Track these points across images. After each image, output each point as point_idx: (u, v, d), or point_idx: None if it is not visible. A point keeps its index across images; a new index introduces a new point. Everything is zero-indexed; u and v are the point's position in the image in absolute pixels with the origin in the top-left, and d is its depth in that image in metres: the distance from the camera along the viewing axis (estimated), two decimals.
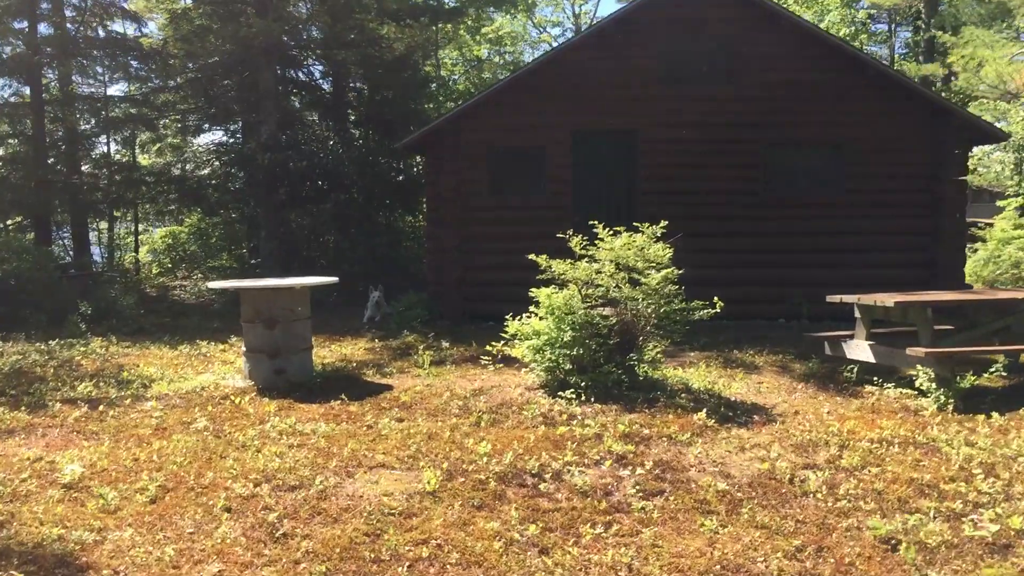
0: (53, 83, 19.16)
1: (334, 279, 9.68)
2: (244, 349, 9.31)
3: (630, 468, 5.99)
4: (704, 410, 7.30)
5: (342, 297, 17.27)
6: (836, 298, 8.83)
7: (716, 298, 8.05)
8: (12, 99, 18.30)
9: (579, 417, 7.29)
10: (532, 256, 8.43)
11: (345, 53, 17.08)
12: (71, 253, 20.10)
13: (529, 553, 4.68)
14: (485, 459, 6.14)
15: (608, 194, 14.03)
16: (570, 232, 8.46)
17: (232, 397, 8.43)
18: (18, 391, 9.00)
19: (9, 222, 18.43)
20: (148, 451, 6.59)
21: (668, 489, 5.62)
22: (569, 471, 5.93)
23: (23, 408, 8.17)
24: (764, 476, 5.84)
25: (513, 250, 13.81)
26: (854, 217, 13.53)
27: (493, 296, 13.92)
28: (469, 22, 29.92)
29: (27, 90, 18.07)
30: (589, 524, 5.03)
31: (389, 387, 9.00)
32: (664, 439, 6.66)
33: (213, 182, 20.18)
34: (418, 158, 21.22)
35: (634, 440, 6.62)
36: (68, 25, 18.40)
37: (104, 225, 24.12)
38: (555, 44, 40.14)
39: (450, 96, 29.38)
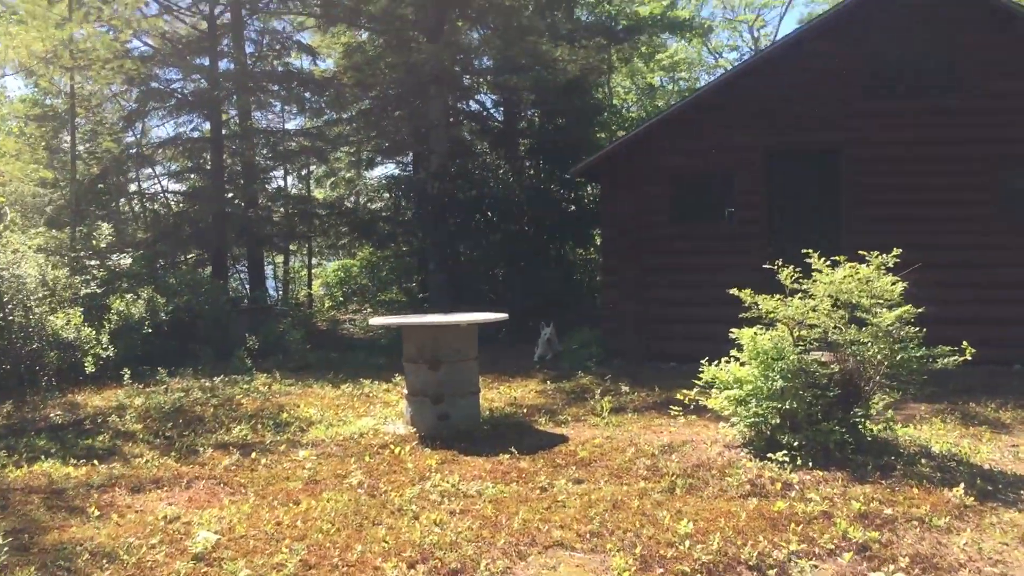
0: (232, 118, 19.44)
1: (503, 315, 8.76)
2: (406, 392, 8.50)
3: (878, 564, 4.65)
4: (960, 484, 5.80)
5: (511, 333, 16.43)
6: None
7: (965, 343, 6.54)
8: (193, 134, 18.64)
9: (797, 487, 5.97)
10: (734, 291, 7.18)
11: (517, 78, 16.38)
12: (247, 287, 20.29)
13: None
14: (687, 543, 4.95)
15: (807, 221, 12.54)
16: (779, 263, 7.16)
17: (392, 446, 7.59)
18: (174, 432, 8.53)
19: (188, 256, 18.70)
20: (294, 513, 5.78)
21: None
22: (797, 565, 4.65)
23: (174, 454, 7.62)
24: None
25: (697, 283, 12.63)
26: None
27: (675, 334, 12.71)
28: (643, 48, 28.86)
29: (207, 125, 18.37)
30: None
31: (564, 438, 7.94)
32: (915, 523, 5.25)
33: (384, 215, 19.92)
34: (591, 188, 20.27)
35: (875, 523, 5.25)
36: (247, 60, 18.62)
37: (279, 259, 24.45)
38: (730, 68, 38.52)
39: (623, 125, 28.33)
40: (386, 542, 5.12)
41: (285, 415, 9.30)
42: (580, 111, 19.52)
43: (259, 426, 8.80)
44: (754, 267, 12.08)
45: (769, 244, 12.46)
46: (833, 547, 4.87)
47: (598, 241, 19.07)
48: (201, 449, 7.79)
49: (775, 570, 4.59)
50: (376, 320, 8.70)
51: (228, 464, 7.22)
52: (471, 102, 22.10)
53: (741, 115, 12.62)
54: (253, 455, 7.49)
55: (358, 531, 5.38)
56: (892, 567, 4.57)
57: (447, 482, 6.37)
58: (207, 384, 11.11)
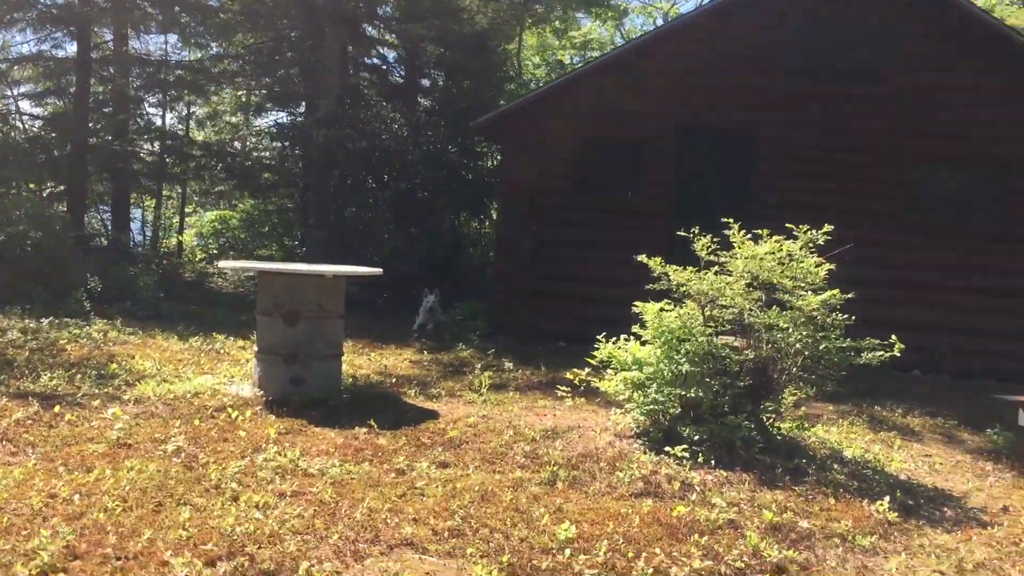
0: (104, 42, 17.53)
1: (377, 270, 7.64)
2: (256, 349, 7.30)
3: None
4: (884, 497, 5.01)
5: (393, 301, 15.27)
6: None
7: (894, 337, 5.78)
8: (57, 53, 16.68)
9: (698, 488, 5.08)
10: (642, 258, 6.25)
11: (420, 27, 15.13)
12: (109, 229, 18.45)
13: None
14: (567, 551, 3.98)
15: (716, 203, 11.72)
16: (695, 230, 6.26)
17: (230, 409, 6.39)
18: None
19: (42, 188, 16.77)
20: (78, 484, 4.57)
21: None
22: None
23: None
24: None
25: (595, 260, 11.74)
26: (1018, 253, 11.03)
27: (568, 313, 11.79)
28: (557, 23, 27.96)
29: (74, 46, 16.46)
30: None
31: (434, 414, 6.89)
32: (835, 540, 4.42)
33: (268, 162, 18.37)
34: (491, 159, 19.21)
35: (790, 538, 4.40)
36: None
37: (152, 203, 22.52)
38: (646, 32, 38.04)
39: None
40: (186, 529, 3.99)
41: (114, 366, 7.96)
42: (485, 72, 18.37)
43: (78, 376, 7.45)
44: (658, 247, 11.31)
45: (673, 225, 11.63)
46: (743, 566, 3.99)
47: (495, 215, 18.03)
48: None
49: None
50: (227, 264, 7.45)
51: (21, 417, 5.91)
52: (373, 57, 20.68)
53: (655, 84, 11.76)
54: (57, 409, 6.18)
55: (155, 512, 4.23)
56: None
57: (285, 456, 5.25)
58: (31, 325, 9.59)
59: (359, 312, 13.33)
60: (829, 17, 11.56)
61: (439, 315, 12.75)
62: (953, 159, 11.39)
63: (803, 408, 6.35)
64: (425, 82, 20.49)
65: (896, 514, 4.84)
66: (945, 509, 5.22)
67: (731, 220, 6.21)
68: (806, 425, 6.33)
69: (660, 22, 39.19)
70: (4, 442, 5.36)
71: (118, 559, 3.64)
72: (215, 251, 21.90)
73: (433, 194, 16.68)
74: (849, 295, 5.82)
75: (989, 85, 11.22)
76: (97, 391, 6.94)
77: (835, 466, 5.72)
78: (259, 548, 3.81)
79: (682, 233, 6.41)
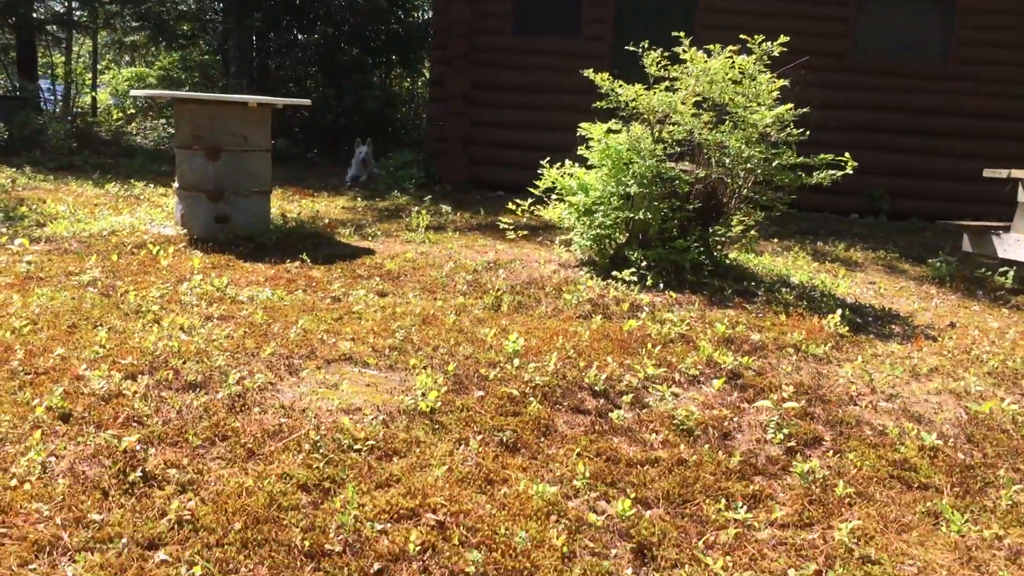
0: None
1: (305, 101, 7.16)
2: (176, 186, 6.83)
3: (754, 395, 3.65)
4: (836, 312, 4.90)
5: (324, 155, 14.69)
6: (999, 173, 6.32)
7: (848, 155, 5.58)
8: None
9: (647, 308, 4.90)
10: (588, 72, 5.90)
11: None
12: (15, 82, 17.24)
13: (617, 551, 2.37)
14: (515, 361, 3.78)
15: (659, 44, 11.31)
16: (644, 45, 5.91)
17: (150, 246, 5.97)
18: None
19: None
20: None
21: (831, 439, 3.30)
22: (655, 392, 3.58)
23: None
24: (981, 424, 3.51)
25: (535, 104, 11.32)
26: (956, 93, 10.92)
27: (506, 160, 11.39)
28: None
29: None
30: (712, 500, 2.72)
31: (371, 252, 6.58)
32: (789, 351, 4.30)
33: (184, 9, 17.17)
34: (426, 12, 18.31)
35: (743, 348, 4.27)
36: None
37: (61, 59, 21.08)
38: None
39: None
40: (104, 347, 3.67)
41: (23, 209, 7.45)
42: None
43: None
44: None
45: (613, 66, 11.21)
46: (697, 373, 3.84)
47: (428, 74, 17.30)
48: None
49: (629, 396, 3.49)
50: (139, 91, 6.87)
51: None
52: None
53: None
54: None
55: (68, 334, 3.89)
56: (775, 397, 3.57)
57: (210, 285, 4.91)
58: None
59: (289, 164, 12.78)
60: None
61: (372, 166, 12.27)
62: None
63: (753, 232, 6.15)
64: None
65: (847, 328, 4.75)
66: (893, 326, 5.15)
67: (682, 34, 5.84)
68: (753, 246, 6.18)
69: None
70: None
71: (27, 374, 3.32)
72: (132, 111, 20.76)
73: (362, 46, 15.89)
74: (804, 110, 5.57)
75: None
76: (4, 231, 6.45)
77: (783, 289, 5.60)
78: (184, 363, 3.52)
79: (631, 48, 6.03)
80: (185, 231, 6.62)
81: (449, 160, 11.51)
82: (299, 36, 16.13)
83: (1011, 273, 6.43)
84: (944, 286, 6.53)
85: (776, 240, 8.17)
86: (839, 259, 7.59)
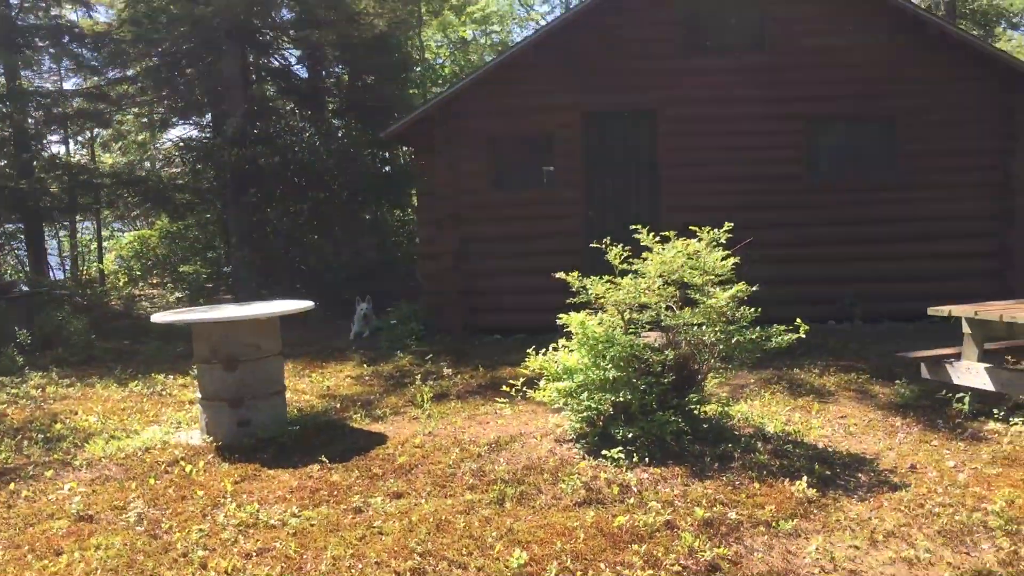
0: None
1: (308, 304, 7.84)
2: (199, 396, 7.48)
3: None
4: (802, 476, 5.48)
5: (325, 308, 15.42)
6: (942, 310, 6.98)
7: (799, 320, 6.24)
8: None
9: (635, 489, 5.48)
10: (561, 275, 6.60)
11: (320, 32, 15.14)
12: (26, 267, 18.16)
13: None
14: None
15: (627, 183, 12.19)
16: (607, 241, 6.63)
17: (182, 462, 6.59)
18: None
19: None
20: (51, 572, 4.75)
21: None
22: None
23: None
24: None
25: (518, 252, 12.09)
26: (911, 201, 11.72)
27: (498, 306, 12.17)
28: (454, 0, 27.98)
29: None
30: None
31: (382, 438, 7.18)
32: (761, 528, 4.86)
33: (180, 182, 18.21)
34: (405, 148, 19.32)
35: (720, 532, 4.82)
36: (11, 13, 16.39)
37: (65, 234, 22.15)
38: (543, 22, 38.18)
39: (436, 81, 27.40)
40: None
41: (59, 426, 8.06)
42: (390, 67, 18.49)
43: (25, 443, 7.56)
44: (575, 233, 11.73)
45: (589, 208, 12.06)
46: (680, 568, 4.39)
47: (415, 202, 18.24)
48: None
49: None
50: (161, 317, 7.58)
51: None
52: (273, 58, 20.53)
53: (557, 74, 12.08)
54: (12, 486, 6.31)
55: None
56: None
57: (244, 511, 5.49)
58: None
59: (293, 326, 13.47)
60: None
61: (373, 321, 13.04)
62: (843, 118, 11.95)
63: (724, 392, 6.77)
64: (330, 80, 20.42)
65: (815, 490, 5.31)
66: (860, 475, 5.71)
67: (640, 227, 6.56)
68: (727, 409, 6.77)
69: None
70: None
71: None
72: (138, 273, 21.66)
73: (352, 195, 16.81)
74: (754, 288, 6.25)
75: (872, 45, 11.78)
76: (47, 458, 7.06)
77: (759, 445, 6.18)
78: None
79: (595, 245, 6.75)
80: (211, 438, 7.23)
81: (445, 312, 12.23)
82: (289, 195, 17.09)
83: (966, 398, 7.03)
84: (908, 416, 7.11)
85: (754, 375, 8.77)
86: (813, 390, 8.19)
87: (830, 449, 6.30)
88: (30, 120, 17.24)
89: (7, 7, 16.57)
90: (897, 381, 8.05)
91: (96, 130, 20.74)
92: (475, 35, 33.95)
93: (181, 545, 5.03)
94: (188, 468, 6.46)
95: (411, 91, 22.68)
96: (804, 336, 6.30)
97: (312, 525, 5.26)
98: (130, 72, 17.59)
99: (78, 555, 4.97)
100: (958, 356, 7.11)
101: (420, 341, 11.84)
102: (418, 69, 24.02)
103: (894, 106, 11.73)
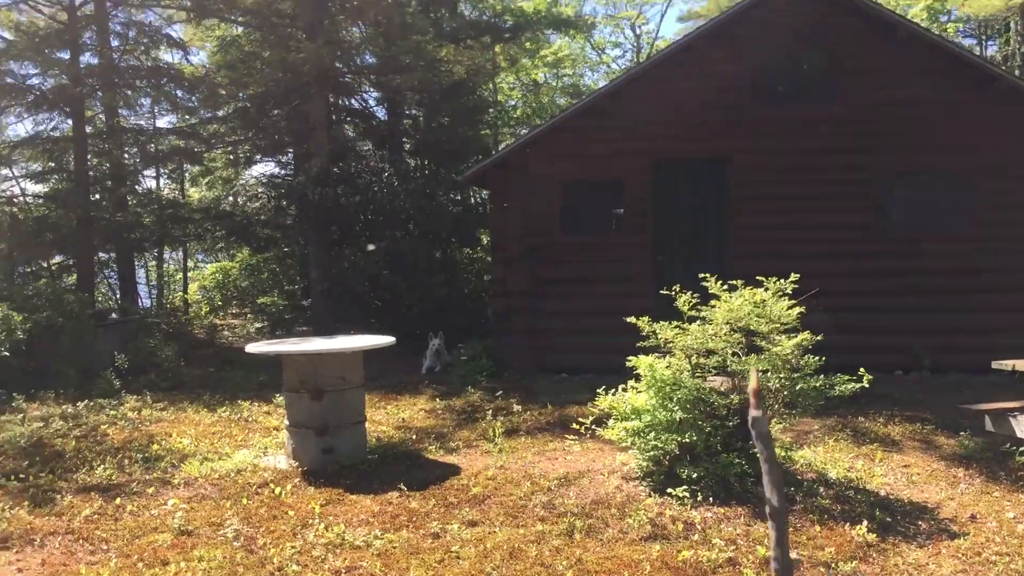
0: (97, 116, 18.23)
1: (390, 339, 8.31)
2: (287, 423, 7.96)
3: None
4: (863, 521, 5.70)
5: (399, 343, 15.89)
6: (1006, 364, 7.14)
7: (863, 370, 6.49)
8: (54, 133, 17.35)
9: (699, 527, 5.76)
10: (631, 318, 6.95)
11: (401, 78, 15.86)
12: (117, 295, 19.12)
13: None
14: None
15: (696, 229, 12.49)
16: (676, 288, 6.96)
17: (272, 485, 7.07)
18: (30, 473, 7.73)
19: (51, 263, 17.46)
20: None
21: None
22: None
23: (27, 502, 6.88)
24: None
25: (587, 294, 12.45)
26: (984, 253, 11.78)
27: (565, 346, 12.53)
28: (528, 45, 28.70)
29: (69, 123, 17.12)
30: None
31: (456, 470, 7.57)
32: (820, 569, 5.10)
33: (262, 217, 19.05)
34: (476, 189, 19.90)
35: None
36: (112, 55, 17.46)
37: (153, 263, 23.22)
38: (614, 66, 38.76)
39: (508, 122, 28.09)
40: None
41: (156, 447, 8.62)
42: (465, 111, 19.15)
43: (126, 462, 8.12)
44: (644, 277, 12.06)
45: (659, 253, 12.38)
46: None
47: (486, 240, 18.75)
48: (60, 495, 7.08)
49: None
50: (254, 347, 8.12)
51: (89, 513, 6.56)
52: (353, 100, 21.40)
53: (631, 122, 12.48)
54: (118, 500, 6.85)
55: None
56: None
57: (332, 532, 5.91)
58: (70, 411, 10.22)
59: (369, 359, 13.96)
60: (784, 44, 12.29)
61: (445, 356, 13.51)
62: (914, 169, 12.10)
63: (788, 437, 7.00)
64: (407, 122, 21.18)
65: (875, 535, 5.53)
66: (920, 523, 5.90)
67: (708, 275, 6.89)
68: (791, 454, 7.00)
69: (628, 32, 40.09)
70: (81, 541, 6.01)
71: None
72: (219, 303, 22.57)
73: (425, 233, 17.38)
74: (818, 337, 6.51)
75: (945, 98, 11.94)
76: (148, 476, 7.61)
77: (821, 490, 6.41)
78: None
79: (664, 292, 7.08)
80: (297, 464, 7.70)
81: (515, 350, 12.61)
82: (368, 231, 17.75)
83: None
84: (971, 467, 7.25)
85: (819, 421, 8.95)
86: (878, 439, 8.34)
87: (891, 496, 6.49)
88: (126, 156, 18.22)
89: (110, 49, 17.61)
90: (962, 433, 8.18)
91: (186, 167, 21.77)
92: (547, 77, 34.66)
93: (276, 560, 5.47)
94: (277, 490, 6.93)
95: (484, 132, 23.35)
96: (870, 385, 6.53)
97: (394, 547, 5.65)
98: (220, 112, 18.51)
99: (184, 565, 5.43)
100: (1022, 409, 7.24)
101: (490, 377, 12.24)
102: (491, 111, 24.71)
103: (966, 159, 11.84)
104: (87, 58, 17.24)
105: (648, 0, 38.50)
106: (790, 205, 12.10)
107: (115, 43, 17.84)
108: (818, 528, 5.70)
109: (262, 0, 15.95)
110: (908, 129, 11.96)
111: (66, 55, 16.86)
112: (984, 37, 27.44)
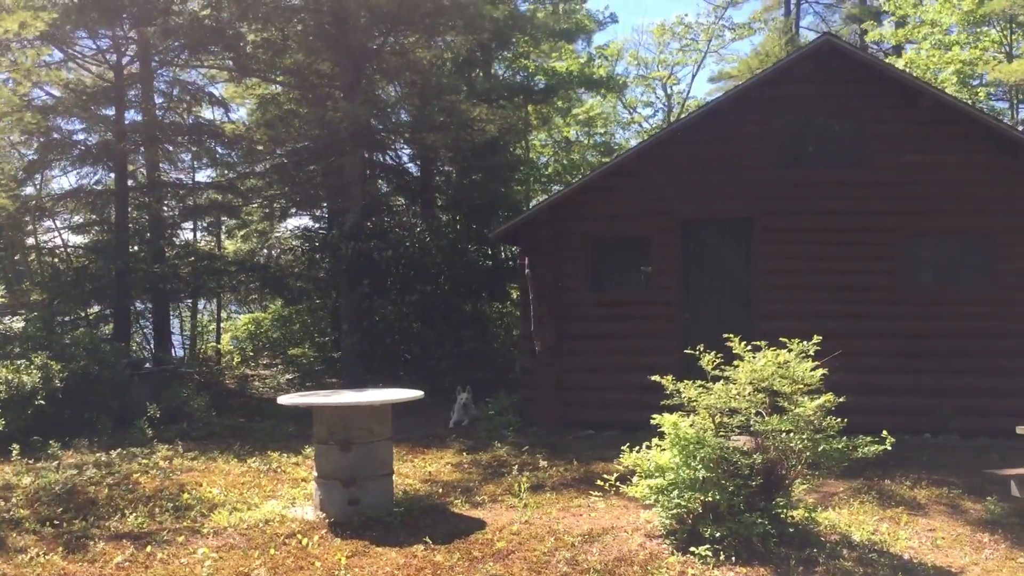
0: (138, 170, 18.81)
1: (419, 393, 8.47)
2: (316, 474, 8.10)
3: None
4: None
5: (427, 395, 16.06)
6: None
7: (885, 432, 6.54)
8: (97, 187, 17.94)
9: None
10: (656, 378, 7.05)
11: (434, 136, 16.26)
12: (151, 344, 19.50)
13: None
14: None
15: (722, 289, 12.60)
16: (700, 348, 7.08)
17: (299, 535, 7.19)
18: (64, 519, 7.92)
19: (90, 313, 17.88)
20: None
21: None
22: None
23: (61, 548, 7.05)
24: None
25: (614, 350, 12.55)
26: (1009, 317, 11.74)
27: (592, 401, 12.62)
28: (560, 103, 29.19)
29: (111, 177, 17.69)
30: None
31: (481, 524, 7.65)
32: None
33: (296, 270, 19.44)
34: (508, 249, 20.18)
35: None
36: (156, 111, 18.07)
37: (187, 313, 23.66)
38: (646, 124, 39.16)
39: (539, 178, 28.43)
40: None
41: (186, 496, 8.78)
42: (497, 168, 19.50)
43: (157, 510, 8.28)
44: (670, 335, 12.16)
45: (684, 312, 12.49)
46: None
47: (515, 295, 18.95)
48: (92, 542, 7.24)
49: None
50: (286, 399, 8.31)
51: (120, 560, 6.72)
52: (387, 156, 21.89)
53: (659, 183, 12.68)
54: (148, 548, 7.00)
55: None
56: None
57: None
58: (103, 459, 10.44)
59: (397, 412, 14.10)
60: (810, 108, 12.50)
61: (473, 410, 13.63)
62: (940, 232, 12.16)
63: (811, 498, 7.03)
64: (440, 178, 21.60)
65: None
66: None
67: (732, 335, 6.99)
68: (814, 515, 7.02)
69: (659, 92, 40.57)
70: None
71: None
72: (250, 353, 22.89)
73: (455, 286, 17.61)
74: (841, 399, 6.57)
75: (970, 161, 12.04)
76: (178, 525, 7.76)
77: (844, 552, 6.42)
78: None
79: (689, 351, 7.19)
80: (324, 515, 7.82)
81: (542, 405, 12.70)
82: (399, 286, 18.04)
83: None
84: (996, 532, 7.22)
85: (844, 483, 8.92)
86: (903, 502, 8.30)
87: (915, 560, 6.48)
88: (165, 209, 18.72)
89: (153, 106, 18.22)
90: (988, 497, 8.13)
91: (222, 218, 22.29)
92: (578, 135, 35.10)
93: None
94: (304, 541, 7.05)
95: (516, 188, 23.68)
96: (898, 448, 6.57)
97: None
98: (258, 168, 19.03)
99: None
100: None
101: (517, 432, 12.32)
102: (523, 168, 25.09)
103: (992, 222, 11.88)
104: (131, 115, 17.85)
105: (679, 61, 39.02)
106: (815, 266, 12.19)
107: (159, 100, 18.51)
108: None
109: (302, 61, 16.49)
110: (933, 193, 12.03)
111: (111, 112, 17.49)
112: (1016, 100, 27.50)
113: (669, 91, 40.44)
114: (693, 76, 65.88)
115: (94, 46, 17.57)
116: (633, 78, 38.98)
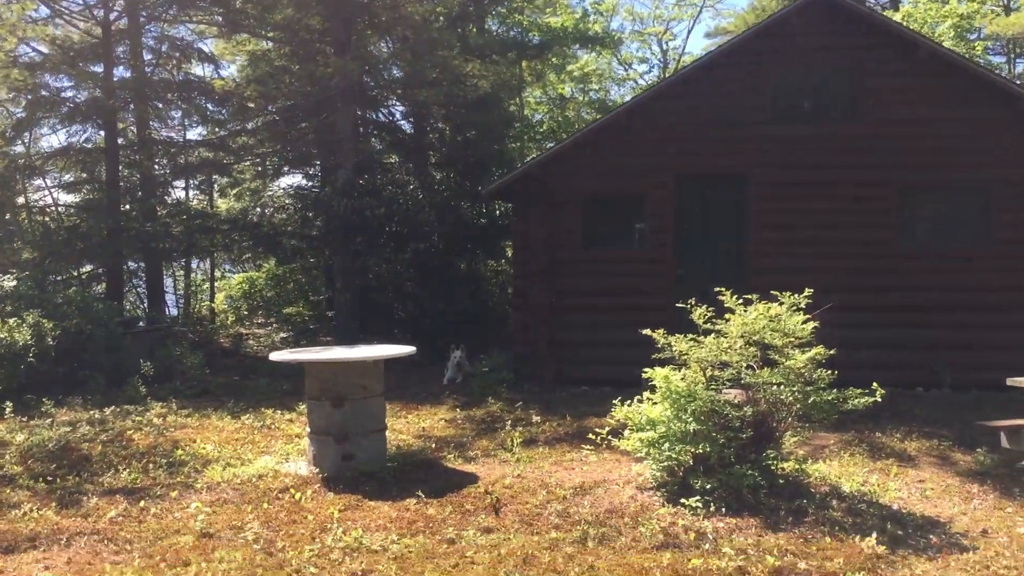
0: (128, 128, 18.62)
1: (411, 348, 8.44)
2: (309, 430, 8.11)
3: None
4: (872, 533, 5.75)
5: (421, 353, 16.06)
6: (1020, 381, 7.16)
7: (876, 384, 6.54)
8: (87, 145, 17.76)
9: (711, 536, 5.84)
10: (647, 331, 7.04)
11: (427, 92, 16.08)
12: (145, 303, 19.45)
13: None
14: None
15: (716, 244, 12.57)
16: (692, 302, 7.05)
17: (292, 490, 7.22)
18: (58, 475, 7.94)
19: (82, 272, 17.81)
20: None
21: None
22: None
23: (54, 503, 7.08)
24: None
25: (608, 307, 12.55)
26: (1004, 271, 11.75)
27: (586, 358, 12.62)
28: (554, 60, 28.89)
29: (101, 135, 17.51)
30: None
31: (474, 478, 7.68)
32: None
33: (289, 228, 19.35)
34: (501, 201, 20.05)
35: None
36: (145, 68, 17.84)
37: (180, 273, 23.60)
38: (641, 81, 38.87)
39: (534, 136, 28.26)
40: None
41: (180, 452, 8.80)
42: (491, 125, 19.33)
43: (151, 466, 8.30)
44: (664, 291, 12.13)
45: (679, 267, 12.46)
46: None
47: (509, 253, 18.89)
48: (86, 497, 7.26)
49: None
50: (278, 355, 8.29)
51: (114, 515, 6.73)
52: (380, 113, 21.70)
53: (653, 138, 12.59)
54: (142, 503, 7.02)
55: None
56: None
57: (350, 536, 6.04)
58: (96, 416, 10.45)
59: (390, 369, 14.14)
60: (806, 62, 12.38)
61: (466, 367, 13.64)
62: (935, 187, 12.11)
63: (802, 450, 7.06)
64: (433, 135, 21.42)
65: (884, 547, 5.57)
66: (931, 536, 5.94)
67: (725, 289, 6.97)
68: (804, 467, 7.05)
69: (655, 47, 40.20)
70: (106, 541, 6.18)
71: None
72: (245, 312, 22.88)
73: (449, 245, 17.55)
74: (832, 352, 6.57)
75: (966, 116, 11.95)
76: (171, 480, 7.78)
77: (833, 502, 6.46)
78: None
79: (680, 305, 7.17)
80: (317, 470, 7.84)
81: (535, 362, 12.72)
82: (392, 243, 17.98)
83: None
84: (985, 483, 7.26)
85: (835, 435, 8.97)
86: (894, 454, 8.35)
87: (904, 511, 6.52)
88: (156, 167, 18.57)
89: (142, 62, 17.99)
90: (978, 449, 8.19)
91: (214, 176, 22.16)
92: (573, 92, 34.82)
93: (295, 562, 5.60)
94: (297, 495, 7.08)
95: (511, 145, 23.52)
96: (890, 401, 6.58)
97: (410, 552, 5.77)
98: (250, 125, 18.85)
99: (204, 566, 5.58)
100: None
101: (510, 389, 12.35)
102: (517, 125, 24.88)
103: (988, 176, 11.83)
104: (120, 71, 17.64)
105: (675, 16, 38.65)
106: (810, 221, 12.15)
107: (148, 57, 18.25)
108: (828, 540, 5.75)
109: (292, 16, 16.26)
110: (929, 147, 11.97)
111: (99, 68, 17.27)
112: (1014, 55, 27.30)
113: (665, 47, 40.10)
114: (689, 31, 65.30)
115: (81, 1, 17.33)
116: (628, 34, 38.65)
